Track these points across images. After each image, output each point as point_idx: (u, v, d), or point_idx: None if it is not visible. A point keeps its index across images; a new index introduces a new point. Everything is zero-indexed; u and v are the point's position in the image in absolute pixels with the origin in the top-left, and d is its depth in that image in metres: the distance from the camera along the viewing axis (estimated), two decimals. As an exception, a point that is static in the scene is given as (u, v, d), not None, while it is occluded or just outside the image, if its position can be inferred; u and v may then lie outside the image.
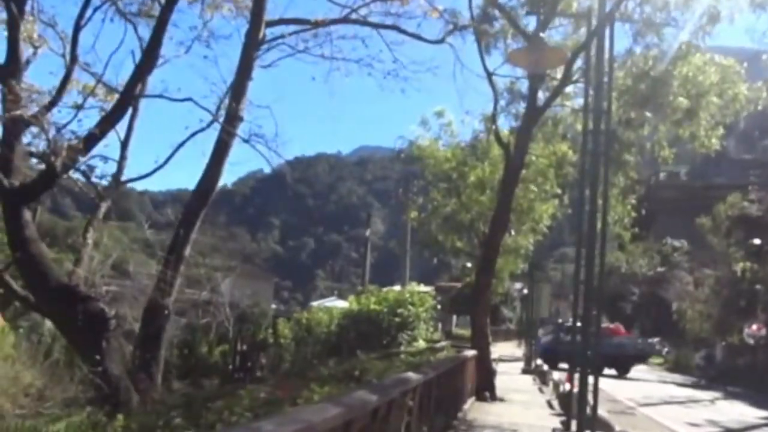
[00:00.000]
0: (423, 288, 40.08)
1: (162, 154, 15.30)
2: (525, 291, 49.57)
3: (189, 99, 12.67)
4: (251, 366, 21.99)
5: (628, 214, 15.53)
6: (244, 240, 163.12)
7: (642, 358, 33.63)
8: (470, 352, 13.19)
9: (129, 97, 12.65)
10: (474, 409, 12.86)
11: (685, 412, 16.98)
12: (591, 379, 9.43)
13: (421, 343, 19.37)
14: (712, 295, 34.39)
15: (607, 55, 9.02)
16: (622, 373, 29.28)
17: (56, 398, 13.29)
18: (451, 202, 18.16)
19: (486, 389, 14.98)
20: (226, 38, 16.45)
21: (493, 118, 15.20)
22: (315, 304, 28.39)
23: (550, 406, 15.17)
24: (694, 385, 26.86)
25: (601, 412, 9.74)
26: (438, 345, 16.41)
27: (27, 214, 12.63)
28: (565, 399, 13.80)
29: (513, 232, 17.50)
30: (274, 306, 42.40)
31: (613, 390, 20.12)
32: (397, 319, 19.99)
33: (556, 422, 12.46)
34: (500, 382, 20.39)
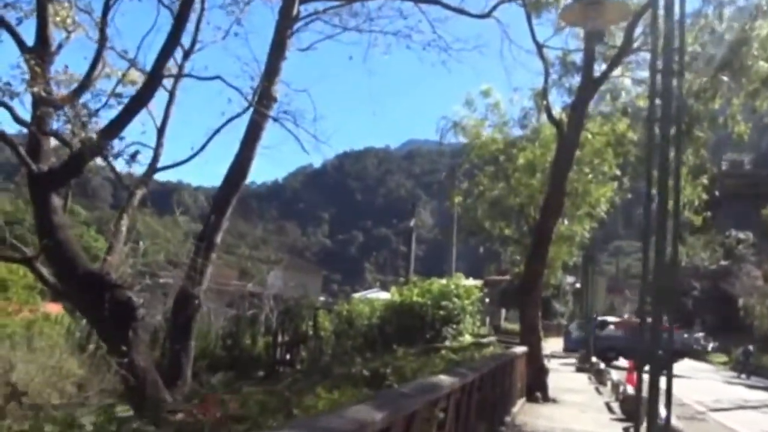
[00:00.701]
0: (472, 281, 38.85)
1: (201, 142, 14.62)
2: (578, 285, 47.60)
3: (217, 77, 11.88)
4: (292, 359, 21.34)
5: (699, 196, 13.96)
6: (295, 234, 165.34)
7: (683, 354, 31.62)
8: (519, 349, 12.01)
9: (155, 78, 11.94)
10: (524, 412, 11.68)
11: (762, 419, 15.33)
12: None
13: (467, 338, 18.23)
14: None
15: (677, 11, 7.73)
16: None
17: (94, 388, 12.94)
18: (499, 186, 16.88)
19: (537, 389, 13.76)
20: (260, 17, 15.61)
21: (544, 94, 13.89)
22: (356, 295, 27.48)
23: (609, 409, 13.81)
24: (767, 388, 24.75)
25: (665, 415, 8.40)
26: (485, 340, 15.25)
27: (56, 200, 12.09)
28: (628, 403, 12.46)
29: (566, 221, 16.07)
30: (322, 299, 41.93)
31: (678, 392, 18.46)
32: (441, 312, 18.91)
33: (618, 429, 11.17)
34: (553, 381, 19.04)
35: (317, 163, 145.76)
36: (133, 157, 10.94)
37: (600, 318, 35.64)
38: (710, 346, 40.11)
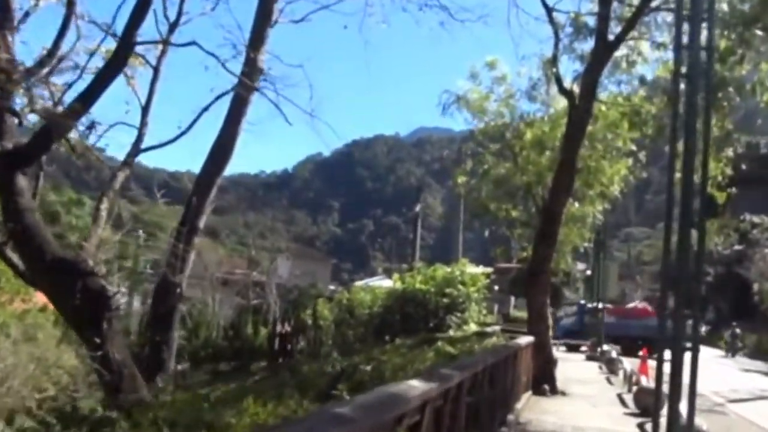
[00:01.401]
0: (481, 269, 37.64)
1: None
2: (588, 272, 46.30)
3: (192, 43, 10.80)
4: (291, 349, 20.39)
5: (722, 172, 12.72)
6: (305, 223, 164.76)
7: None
8: (525, 339, 10.94)
9: (127, 44, 10.90)
10: (529, 407, 10.62)
11: (786, 411, 14.15)
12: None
13: (472, 327, 17.20)
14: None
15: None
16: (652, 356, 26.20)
17: (86, 380, 12.23)
18: (505, 164, 15.61)
19: (545, 381, 12.69)
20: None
21: (553, 61, 12.69)
22: (358, 283, 26.42)
23: (622, 401, 12.72)
24: (785, 375, 23.50)
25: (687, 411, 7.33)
26: (489, 330, 14.20)
27: (22, 181, 11.13)
28: (643, 396, 11.36)
29: (577, 203, 14.83)
30: (332, 287, 41.12)
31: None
32: (445, 300, 17.88)
33: (632, 425, 10.09)
34: (562, 372, 17.98)
35: (327, 152, 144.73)
36: (90, 128, 9.84)
37: (591, 304, 34.63)
38: (703, 329, 39.02)
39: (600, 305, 35.76)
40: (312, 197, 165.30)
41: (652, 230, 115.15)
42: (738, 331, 34.25)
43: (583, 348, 26.89)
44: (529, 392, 11.75)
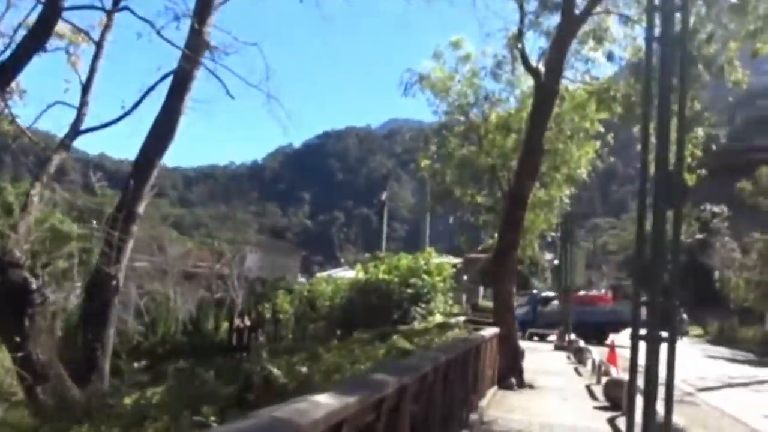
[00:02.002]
0: (450, 259, 36.85)
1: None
2: (556, 261, 46.04)
3: (125, 8, 9.63)
4: (247, 345, 19.34)
5: (692, 153, 12.04)
6: (275, 215, 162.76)
7: (615, 325, 30.42)
8: (490, 330, 10.10)
9: (52, 9, 9.69)
10: (495, 404, 9.79)
11: (756, 399, 13.63)
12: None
13: (438, 318, 16.32)
14: (760, 261, 30.43)
15: None
16: (603, 341, 26.00)
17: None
18: (470, 148, 14.64)
19: (512, 374, 11.91)
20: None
21: (519, 36, 11.82)
22: (321, 274, 25.30)
23: (591, 394, 12.00)
24: (749, 362, 23.26)
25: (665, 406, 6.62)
26: (453, 321, 13.36)
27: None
28: (613, 388, 10.64)
29: (543, 188, 13.97)
30: (302, 279, 40.06)
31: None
32: (409, 291, 16.98)
33: (603, 420, 9.33)
34: (530, 362, 17.26)
35: (288, 137, 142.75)
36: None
37: (543, 294, 34.53)
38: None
39: (552, 294, 35.76)
40: (282, 189, 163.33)
41: (617, 220, 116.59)
42: (684, 316, 34.16)
43: (551, 338, 26.42)
44: (495, 387, 10.94)
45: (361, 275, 18.29)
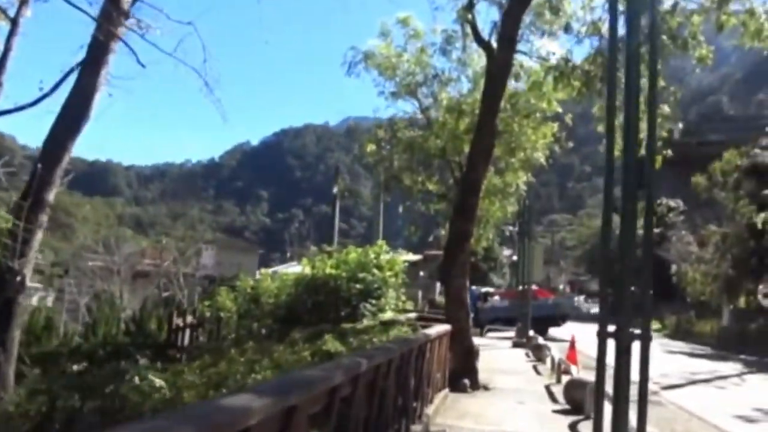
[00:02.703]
0: (411, 256, 35.79)
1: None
2: (515, 257, 45.69)
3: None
4: (181, 347, 17.93)
5: (660, 133, 11.20)
6: (233, 213, 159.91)
7: (565, 318, 30.84)
8: (439, 328, 9.05)
9: None
10: (445, 410, 8.75)
11: (721, 396, 12.99)
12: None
13: (389, 315, 15.25)
14: (717, 254, 30.38)
15: None
16: (544, 334, 25.85)
17: None
18: (419, 133, 13.48)
19: (465, 375, 10.92)
20: None
21: (469, 6, 10.80)
22: (264, 270, 23.87)
23: (551, 395, 11.10)
24: (708, 356, 22.94)
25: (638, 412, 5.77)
26: (402, 318, 12.28)
27: None
28: (574, 390, 9.74)
29: (498, 176, 12.98)
30: (259, 277, 38.65)
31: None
32: (358, 286, 15.83)
33: (563, 426, 8.40)
34: (486, 360, 16.39)
35: (254, 141, 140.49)
36: None
37: (483, 290, 34.44)
38: (591, 309, 40.08)
39: (491, 289, 35.34)
40: (240, 187, 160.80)
41: (574, 217, 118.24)
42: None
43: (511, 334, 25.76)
44: (446, 390, 9.90)
45: (308, 270, 17.08)
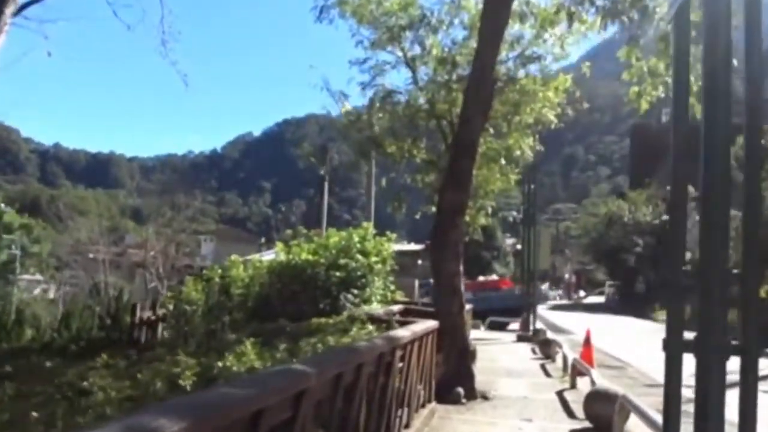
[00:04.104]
0: (414, 247, 33.41)
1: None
2: (519, 246, 43.40)
3: None
4: (141, 342, 15.80)
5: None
6: (236, 204, 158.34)
7: (516, 311, 28.64)
8: (420, 327, 6.77)
9: None
10: (427, 436, 6.50)
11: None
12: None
13: (375, 306, 13.00)
14: (737, 239, 27.84)
15: None
16: (504, 328, 23.85)
17: None
18: (403, 90, 11.03)
19: (459, 382, 8.67)
20: None
21: None
22: (234, 257, 21.35)
23: (566, 407, 8.82)
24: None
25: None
26: (380, 312, 10.02)
27: None
28: (597, 403, 7.47)
29: (497, 136, 10.55)
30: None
31: (640, 363, 13.85)
32: (338, 274, 13.61)
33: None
34: (487, 359, 14.12)
35: (256, 131, 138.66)
36: None
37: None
38: (556, 295, 38.37)
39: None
40: (242, 178, 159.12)
41: (579, 206, 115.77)
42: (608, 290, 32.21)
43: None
44: (433, 404, 7.64)
45: (283, 256, 14.87)
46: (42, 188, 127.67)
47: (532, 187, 22.85)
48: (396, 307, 10.97)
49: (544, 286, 35.97)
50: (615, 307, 51.68)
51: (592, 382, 8.05)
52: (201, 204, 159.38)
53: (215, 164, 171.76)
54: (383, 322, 7.71)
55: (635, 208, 48.97)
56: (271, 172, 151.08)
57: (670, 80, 8.53)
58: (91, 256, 45.96)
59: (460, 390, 8.68)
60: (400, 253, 19.60)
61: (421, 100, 9.81)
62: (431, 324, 7.49)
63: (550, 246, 29.81)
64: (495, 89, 9.79)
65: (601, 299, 62.89)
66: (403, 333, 5.47)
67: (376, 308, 12.03)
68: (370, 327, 7.13)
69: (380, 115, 9.92)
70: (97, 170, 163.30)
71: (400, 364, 5.51)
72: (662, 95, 8.54)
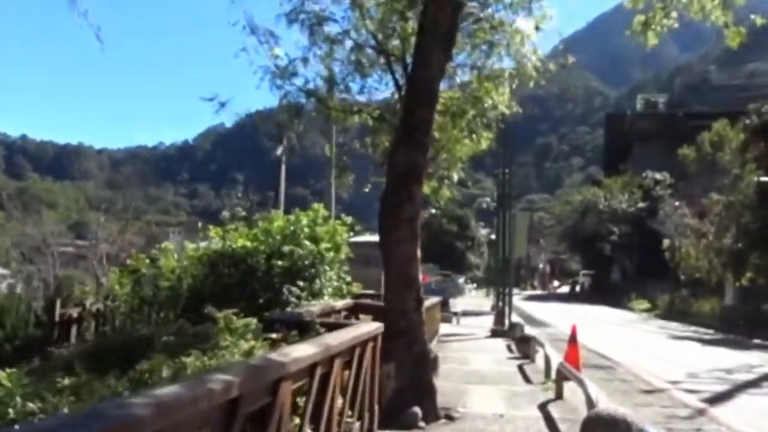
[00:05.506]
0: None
1: None
2: (493, 236, 41.58)
3: None
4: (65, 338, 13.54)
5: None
6: (208, 196, 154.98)
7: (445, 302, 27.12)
8: (354, 332, 4.63)
9: None
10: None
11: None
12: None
13: (326, 301, 10.84)
14: (722, 224, 26.33)
15: None
16: None
17: None
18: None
19: (416, 400, 6.55)
20: None
21: None
22: (167, 244, 18.69)
23: (551, 425, 6.77)
24: (721, 342, 18.90)
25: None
26: (315, 307, 7.85)
27: None
28: (598, 425, 5.37)
29: (459, 81, 8.21)
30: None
31: (636, 362, 11.95)
32: (280, 263, 11.44)
33: None
34: (455, 359, 12.08)
35: (229, 123, 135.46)
36: None
37: None
38: (469, 288, 37.32)
39: None
40: (215, 169, 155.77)
41: (552, 196, 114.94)
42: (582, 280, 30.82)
43: None
44: (374, 436, 5.49)
45: (219, 243, 12.61)
46: (8, 181, 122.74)
47: (506, 171, 20.87)
48: (341, 303, 8.84)
49: (461, 280, 34.35)
50: (590, 296, 50.33)
51: (590, 402, 5.98)
52: (173, 197, 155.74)
53: (187, 156, 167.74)
54: (302, 327, 5.55)
55: (611, 195, 47.48)
56: (244, 164, 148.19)
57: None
58: (61, 249, 43.60)
59: (417, 410, 6.57)
60: (369, 243, 17.46)
61: (365, 35, 7.60)
62: (372, 328, 5.34)
63: (527, 233, 27.80)
64: (462, 28, 7.64)
65: (576, 289, 61.66)
66: (305, 352, 3.29)
67: (317, 304, 9.86)
68: (259, 343, 4.93)
69: (318, 51, 7.72)
70: (65, 162, 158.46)
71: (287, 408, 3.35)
72: (676, 25, 6.56)
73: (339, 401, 4.36)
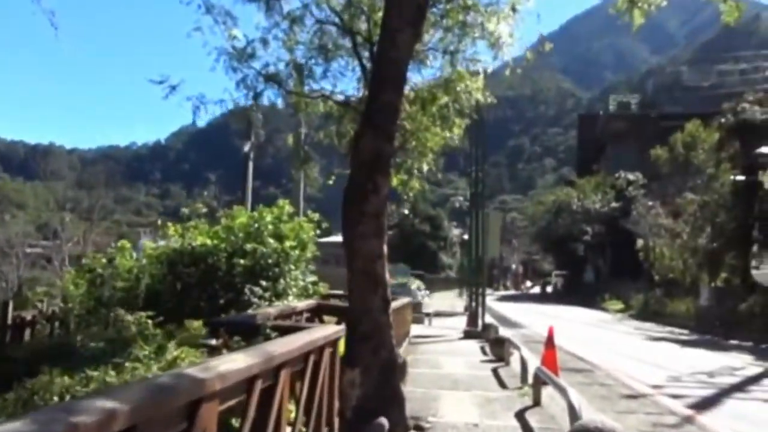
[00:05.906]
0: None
1: None
2: (465, 236, 41.21)
3: None
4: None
5: None
6: (180, 197, 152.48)
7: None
8: (306, 337, 4.05)
9: None
10: None
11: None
12: None
13: (292, 302, 10.17)
14: (697, 224, 26.28)
15: None
16: None
17: None
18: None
19: (382, 410, 5.94)
20: None
21: None
22: (123, 242, 17.75)
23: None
24: (699, 343, 18.69)
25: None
26: (272, 310, 7.19)
27: None
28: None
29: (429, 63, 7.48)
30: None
31: (623, 366, 11.53)
32: (242, 262, 10.79)
33: None
34: (426, 363, 11.54)
35: (201, 122, 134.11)
36: None
37: None
38: (425, 297, 36.60)
39: None
40: (187, 169, 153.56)
41: (525, 197, 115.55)
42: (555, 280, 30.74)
43: None
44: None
45: (177, 242, 11.87)
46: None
47: (479, 168, 20.39)
48: (303, 304, 8.21)
49: (414, 285, 33.76)
50: (563, 297, 50.35)
51: (573, 413, 5.45)
52: (144, 197, 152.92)
53: (159, 156, 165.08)
54: (250, 332, 4.92)
55: (584, 195, 47.52)
56: (217, 164, 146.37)
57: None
58: (28, 251, 42.14)
59: (384, 421, 5.96)
60: (341, 243, 16.91)
61: (327, 11, 6.96)
62: (330, 331, 4.73)
63: (500, 233, 27.39)
64: (433, 9, 7.09)
65: (548, 289, 61.72)
66: (238, 363, 2.68)
67: (279, 305, 9.20)
68: (176, 353, 4.30)
69: (279, 34, 7.06)
70: (35, 162, 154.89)
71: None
72: (664, 3, 6.09)
73: (291, 416, 3.75)
